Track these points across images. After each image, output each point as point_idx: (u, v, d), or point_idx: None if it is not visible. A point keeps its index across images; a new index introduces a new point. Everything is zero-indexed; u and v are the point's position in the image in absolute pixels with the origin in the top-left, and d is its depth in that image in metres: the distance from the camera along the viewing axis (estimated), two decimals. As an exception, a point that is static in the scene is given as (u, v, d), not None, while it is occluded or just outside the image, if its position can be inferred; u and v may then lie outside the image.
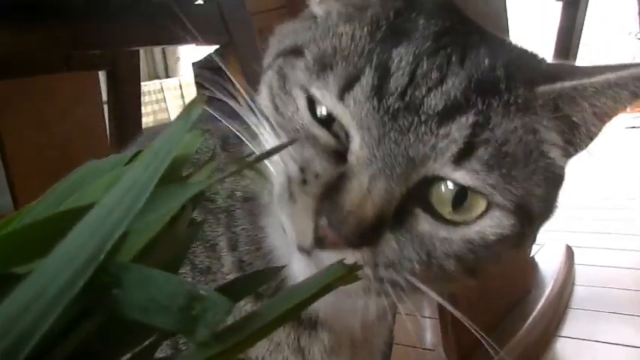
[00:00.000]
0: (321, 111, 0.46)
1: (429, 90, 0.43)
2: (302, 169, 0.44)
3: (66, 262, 0.18)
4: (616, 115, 0.46)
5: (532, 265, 1.52)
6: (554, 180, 0.48)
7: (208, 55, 2.89)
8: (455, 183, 0.43)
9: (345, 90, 0.44)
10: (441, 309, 1.05)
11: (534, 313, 1.25)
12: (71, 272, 0.18)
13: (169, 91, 4.05)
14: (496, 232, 0.44)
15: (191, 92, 3.96)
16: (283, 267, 0.46)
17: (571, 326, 1.28)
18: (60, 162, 1.40)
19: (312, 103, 0.46)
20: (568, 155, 0.48)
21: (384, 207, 0.42)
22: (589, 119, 0.46)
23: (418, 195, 0.43)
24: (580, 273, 1.53)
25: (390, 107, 0.42)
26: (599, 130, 0.47)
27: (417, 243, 0.43)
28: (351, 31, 0.46)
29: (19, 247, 0.21)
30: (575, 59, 1.55)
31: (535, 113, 0.45)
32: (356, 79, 0.43)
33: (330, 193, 0.42)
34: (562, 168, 0.48)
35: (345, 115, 0.44)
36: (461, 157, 0.42)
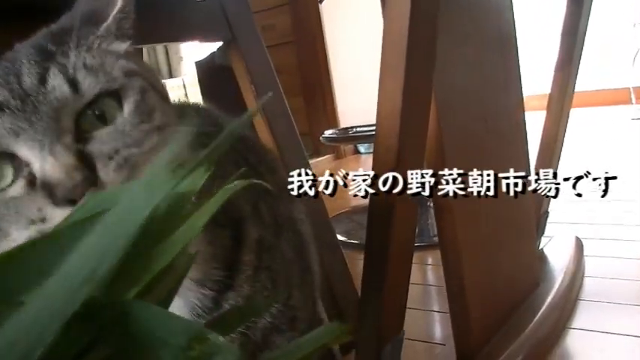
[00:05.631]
0: None
1: None
2: None
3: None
4: None
5: (541, 258, 1.51)
6: None
7: (211, 54, 2.88)
8: None
9: None
10: (451, 303, 1.05)
11: (544, 307, 1.24)
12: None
13: (173, 91, 4.04)
14: None
15: (195, 92, 3.96)
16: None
17: (581, 318, 1.27)
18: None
19: None
20: None
21: None
22: None
23: None
24: (590, 265, 1.52)
25: None
26: None
27: None
28: None
29: None
30: (580, 52, 1.54)
31: None
32: None
33: None
34: None
35: None
36: None
